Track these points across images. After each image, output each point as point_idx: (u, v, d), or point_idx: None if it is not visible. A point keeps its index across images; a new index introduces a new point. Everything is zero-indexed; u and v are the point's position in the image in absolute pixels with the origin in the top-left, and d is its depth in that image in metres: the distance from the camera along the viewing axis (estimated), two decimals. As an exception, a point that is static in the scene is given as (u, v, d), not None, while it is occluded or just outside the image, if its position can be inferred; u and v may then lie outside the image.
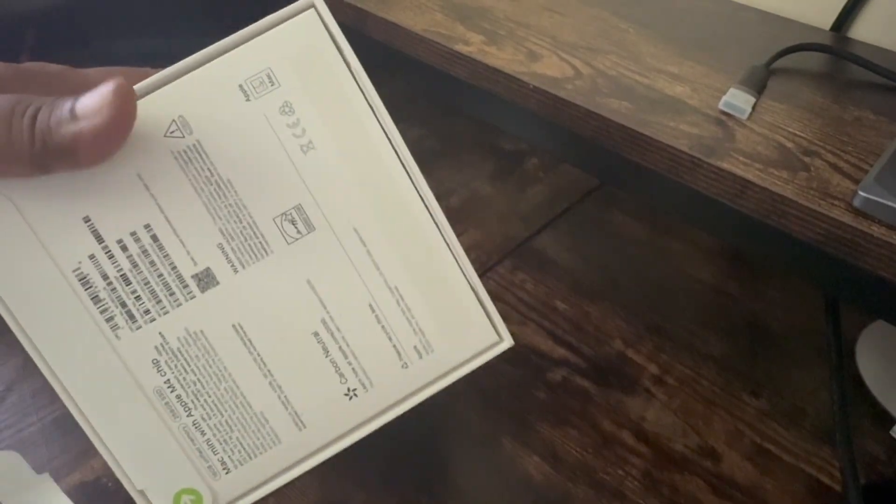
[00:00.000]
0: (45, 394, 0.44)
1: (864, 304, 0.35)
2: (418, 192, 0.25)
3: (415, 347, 0.26)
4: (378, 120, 0.25)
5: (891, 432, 0.45)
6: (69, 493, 0.38)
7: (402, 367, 0.26)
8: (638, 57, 0.42)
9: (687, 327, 0.53)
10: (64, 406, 0.24)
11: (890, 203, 0.30)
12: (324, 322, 0.25)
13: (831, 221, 0.31)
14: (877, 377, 0.49)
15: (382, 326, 0.26)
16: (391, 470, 0.44)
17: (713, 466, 0.44)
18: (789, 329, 0.54)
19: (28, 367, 0.24)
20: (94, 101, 0.21)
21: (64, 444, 0.41)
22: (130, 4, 0.68)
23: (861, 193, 0.31)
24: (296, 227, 0.25)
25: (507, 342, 0.27)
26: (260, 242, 0.24)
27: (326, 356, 0.25)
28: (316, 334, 0.25)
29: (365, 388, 0.26)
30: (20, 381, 0.45)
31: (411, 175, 0.25)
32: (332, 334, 0.25)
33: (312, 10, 0.24)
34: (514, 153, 0.72)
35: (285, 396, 0.25)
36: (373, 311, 0.26)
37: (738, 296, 0.57)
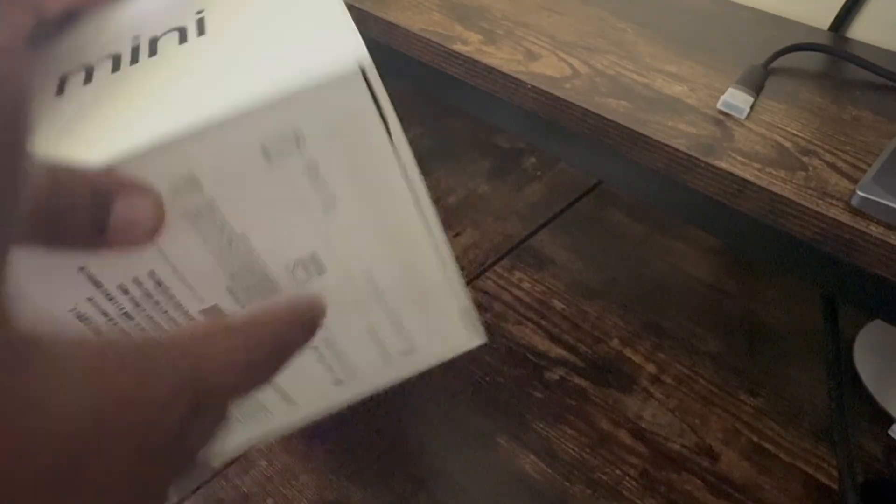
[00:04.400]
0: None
1: (861, 304, 0.35)
2: (435, 241, 0.24)
3: (402, 351, 0.27)
4: (411, 192, 0.23)
5: (889, 432, 0.45)
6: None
7: (386, 363, 0.28)
8: (636, 56, 0.42)
9: (685, 326, 0.53)
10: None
11: (888, 202, 0.30)
12: (325, 339, 0.26)
13: (829, 221, 0.31)
14: (874, 376, 0.49)
15: (377, 342, 0.27)
16: (389, 468, 0.44)
17: (710, 465, 0.44)
18: (787, 328, 0.54)
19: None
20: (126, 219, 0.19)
21: (61, 443, 0.41)
22: None
23: (859, 193, 0.31)
24: (307, 272, 0.24)
25: (480, 339, 0.28)
26: (270, 285, 0.24)
27: (321, 362, 0.26)
28: (315, 348, 0.26)
29: (351, 378, 0.27)
30: (17, 380, 0.45)
31: (435, 236, 0.24)
32: (330, 347, 0.26)
33: (359, 74, 0.19)
34: (512, 152, 0.72)
35: (281, 390, 0.27)
36: (371, 331, 0.26)
37: (736, 295, 0.57)
